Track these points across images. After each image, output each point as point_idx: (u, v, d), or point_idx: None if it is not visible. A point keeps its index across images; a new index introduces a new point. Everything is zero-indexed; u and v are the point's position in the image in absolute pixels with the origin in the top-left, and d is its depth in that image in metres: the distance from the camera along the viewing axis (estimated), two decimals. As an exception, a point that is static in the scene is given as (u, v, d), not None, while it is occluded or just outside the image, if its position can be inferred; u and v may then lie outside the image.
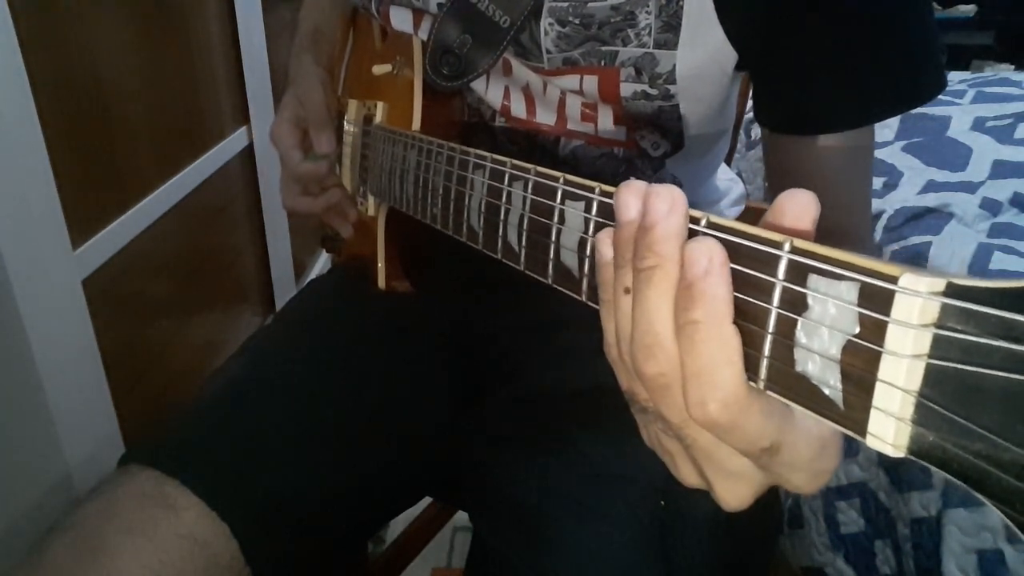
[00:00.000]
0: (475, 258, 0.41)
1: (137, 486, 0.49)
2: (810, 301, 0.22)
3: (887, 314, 0.20)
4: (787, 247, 0.22)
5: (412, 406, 0.63)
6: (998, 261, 0.94)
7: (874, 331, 0.20)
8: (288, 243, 1.59)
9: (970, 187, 1.13)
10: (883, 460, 0.91)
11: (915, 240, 1.03)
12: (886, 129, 1.37)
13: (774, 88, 0.52)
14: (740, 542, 0.53)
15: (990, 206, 1.07)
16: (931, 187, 1.16)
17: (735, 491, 0.27)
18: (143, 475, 0.50)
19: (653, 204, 0.26)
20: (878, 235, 1.10)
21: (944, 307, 0.19)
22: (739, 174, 0.87)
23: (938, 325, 0.19)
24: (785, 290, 0.23)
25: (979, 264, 0.94)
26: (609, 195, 0.29)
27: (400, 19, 0.60)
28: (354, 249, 0.72)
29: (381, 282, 0.65)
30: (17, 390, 0.78)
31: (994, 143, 1.24)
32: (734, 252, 0.24)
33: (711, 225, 0.25)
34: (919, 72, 0.49)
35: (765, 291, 0.23)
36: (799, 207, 0.25)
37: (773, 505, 0.61)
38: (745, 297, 0.24)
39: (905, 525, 0.87)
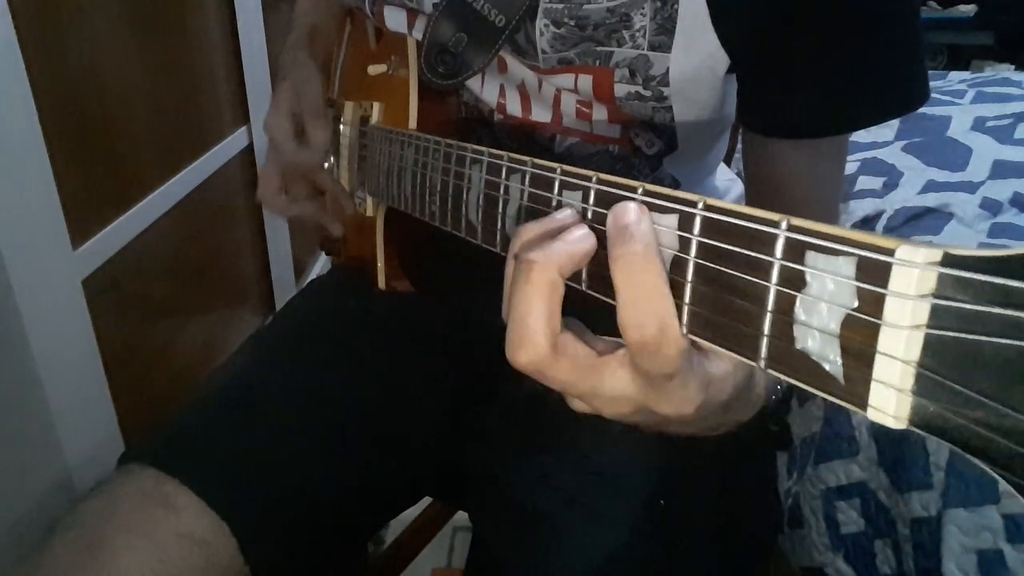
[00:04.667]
0: (475, 257, 0.41)
1: (137, 485, 0.50)
2: (808, 278, 0.22)
3: (885, 286, 0.20)
4: (784, 225, 0.23)
5: (412, 406, 0.63)
6: (998, 261, 0.93)
7: (873, 304, 0.20)
8: (288, 243, 1.59)
9: (970, 187, 1.13)
10: (883, 460, 0.91)
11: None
12: (886, 129, 1.37)
13: (761, 93, 0.53)
14: (740, 542, 0.53)
15: (990, 206, 1.07)
16: (931, 187, 1.15)
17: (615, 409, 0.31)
18: (143, 474, 0.50)
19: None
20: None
21: (941, 277, 0.19)
22: (738, 174, 0.87)
23: (936, 295, 0.19)
24: (783, 268, 0.23)
25: (979, 264, 0.94)
26: (606, 183, 0.30)
27: (394, 19, 0.60)
28: (353, 250, 0.72)
29: (381, 282, 0.65)
30: (17, 390, 0.78)
31: (994, 143, 1.24)
32: (731, 233, 0.24)
33: (708, 207, 0.25)
34: (903, 83, 0.51)
35: (763, 270, 0.23)
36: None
37: (773, 505, 0.61)
38: (744, 276, 0.24)
39: (905, 525, 0.87)
